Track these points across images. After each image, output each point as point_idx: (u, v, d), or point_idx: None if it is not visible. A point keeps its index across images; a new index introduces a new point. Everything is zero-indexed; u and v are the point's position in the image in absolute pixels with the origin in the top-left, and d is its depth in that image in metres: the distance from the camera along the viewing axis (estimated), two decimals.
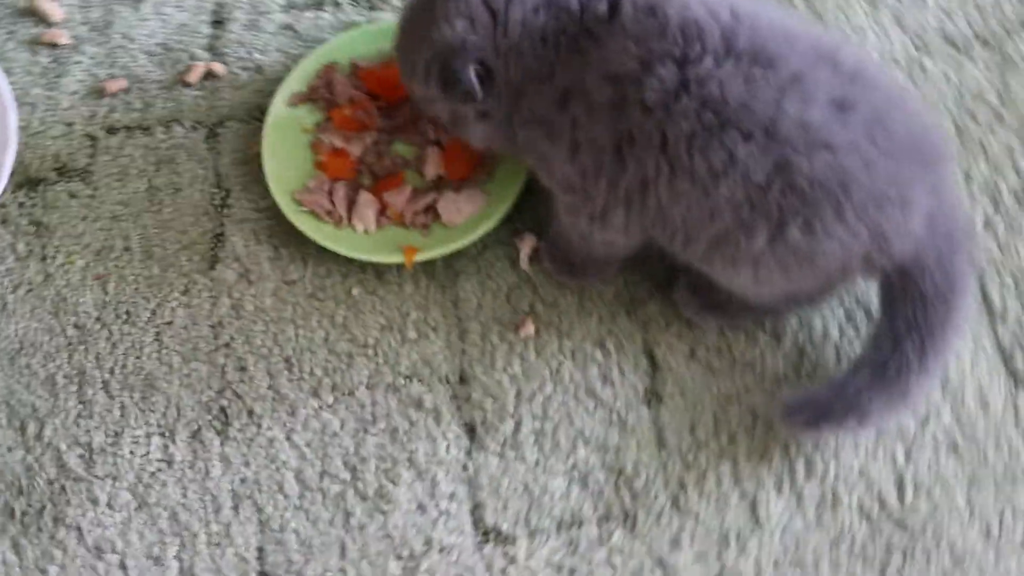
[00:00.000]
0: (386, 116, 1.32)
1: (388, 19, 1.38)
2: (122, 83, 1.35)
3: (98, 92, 1.35)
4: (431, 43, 1.16)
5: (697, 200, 1.12)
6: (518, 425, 1.23)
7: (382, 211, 1.28)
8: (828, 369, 1.24)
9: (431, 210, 1.29)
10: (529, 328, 1.26)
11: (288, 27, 1.38)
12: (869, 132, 1.10)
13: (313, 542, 1.20)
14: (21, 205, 1.32)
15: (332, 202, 1.28)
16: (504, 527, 1.20)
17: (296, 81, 1.33)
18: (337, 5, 1.39)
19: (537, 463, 1.22)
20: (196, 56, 1.37)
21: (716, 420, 1.23)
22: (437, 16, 1.15)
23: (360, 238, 1.28)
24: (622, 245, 1.22)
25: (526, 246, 1.29)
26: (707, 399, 1.24)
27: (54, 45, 1.37)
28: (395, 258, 1.26)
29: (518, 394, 1.24)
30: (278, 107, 1.31)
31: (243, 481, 1.22)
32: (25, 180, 1.32)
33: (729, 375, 1.25)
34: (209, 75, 1.36)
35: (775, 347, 1.25)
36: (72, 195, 1.32)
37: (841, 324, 1.25)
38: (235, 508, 1.22)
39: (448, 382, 1.25)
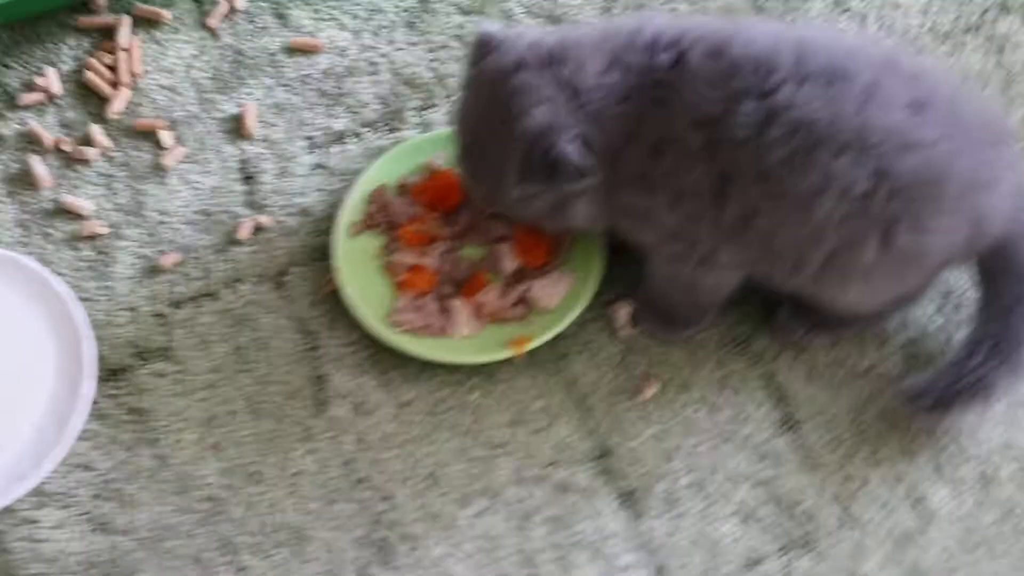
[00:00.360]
0: (447, 225, 1.34)
1: (412, 135, 1.39)
2: (176, 256, 1.34)
3: (153, 271, 1.34)
4: (522, 136, 1.16)
5: (802, 223, 1.16)
6: (672, 482, 1.25)
7: (477, 313, 1.30)
8: (941, 356, 1.29)
9: (524, 300, 1.30)
10: (651, 389, 1.28)
11: (318, 166, 1.38)
12: (948, 125, 1.17)
13: None
14: (113, 397, 1.29)
15: (426, 316, 1.29)
16: None
17: (350, 213, 1.34)
18: (358, 136, 1.40)
19: (702, 513, 1.24)
20: (238, 214, 1.36)
21: (856, 429, 1.27)
22: (513, 112, 1.17)
23: (463, 343, 1.29)
24: (726, 285, 1.26)
25: (621, 314, 1.31)
26: (840, 412, 1.28)
27: (93, 237, 1.36)
28: (504, 353, 1.28)
29: (662, 453, 1.26)
30: (341, 242, 1.32)
31: None
32: (108, 373, 1.29)
33: (852, 385, 1.29)
34: (258, 229, 1.35)
35: (885, 348, 1.30)
36: (160, 375, 1.30)
37: (938, 311, 1.31)
38: None
39: (591, 460, 1.26)
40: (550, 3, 1.47)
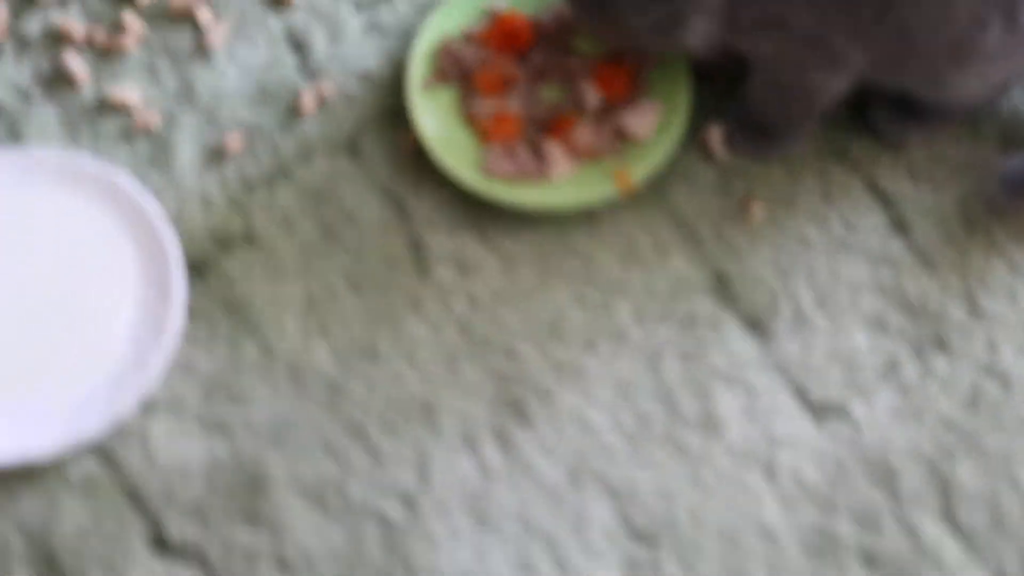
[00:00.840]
0: (521, 66, 1.29)
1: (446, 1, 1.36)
2: (240, 137, 1.28)
3: (218, 155, 1.27)
4: None
5: (937, 6, 1.14)
6: (796, 300, 1.23)
7: (572, 152, 1.26)
8: None
9: (617, 133, 1.26)
10: (757, 211, 1.26)
11: (371, 27, 1.32)
12: None
13: (669, 487, 1.17)
14: (203, 293, 1.23)
15: (519, 163, 1.25)
16: (833, 397, 1.20)
17: (419, 68, 1.28)
18: None
19: (831, 328, 1.22)
20: (296, 86, 1.30)
21: (966, 222, 1.25)
22: None
23: (564, 188, 1.24)
24: (838, 90, 1.21)
25: (715, 137, 1.28)
26: (948, 208, 1.26)
27: (148, 128, 1.29)
28: (611, 190, 1.24)
29: (779, 273, 1.24)
30: (416, 98, 1.27)
31: (571, 459, 1.18)
32: (193, 268, 1.23)
33: (954, 179, 1.27)
34: (320, 99, 1.29)
35: (979, 139, 1.28)
36: (247, 263, 1.24)
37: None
38: (577, 488, 1.18)
39: (710, 290, 1.24)
40: None
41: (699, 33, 1.17)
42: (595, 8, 1.18)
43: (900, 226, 1.26)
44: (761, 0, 1.15)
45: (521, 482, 1.19)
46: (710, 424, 1.20)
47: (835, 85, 1.21)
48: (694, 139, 1.28)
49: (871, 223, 1.26)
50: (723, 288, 1.24)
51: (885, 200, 1.27)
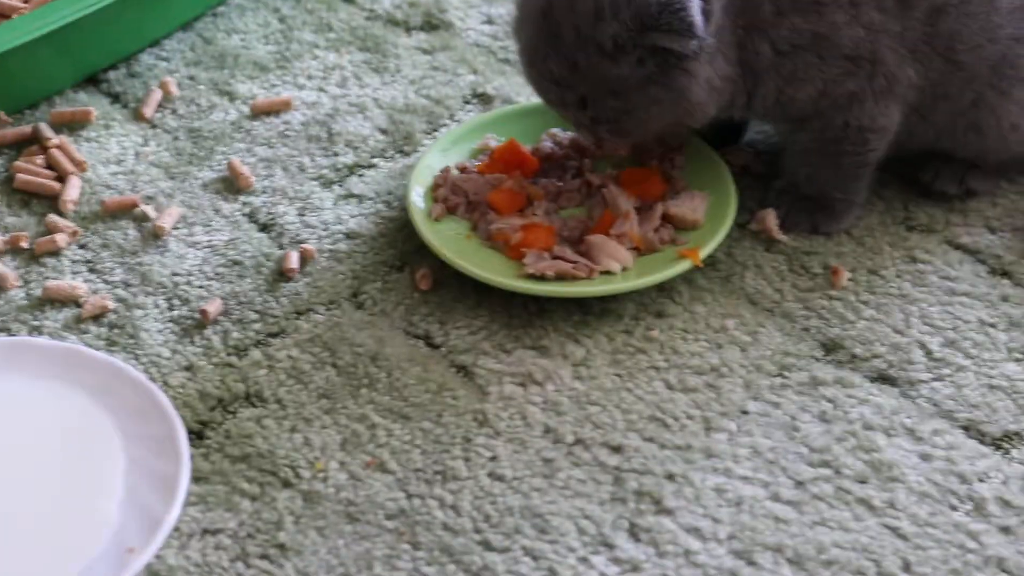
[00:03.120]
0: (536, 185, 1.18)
1: (432, 145, 1.22)
2: (218, 305, 1.09)
3: (193, 327, 1.07)
4: None
5: (985, 18, 1.10)
6: (924, 347, 1.07)
7: (621, 245, 1.11)
8: None
9: (667, 221, 1.13)
10: (843, 277, 1.12)
11: (346, 196, 1.19)
12: None
13: (862, 541, 0.94)
14: (207, 455, 0.98)
15: (567, 260, 1.09)
16: (1009, 425, 1.02)
17: (422, 203, 1.15)
18: (372, 166, 1.23)
19: (976, 364, 1.06)
20: (273, 254, 1.14)
21: None
22: None
23: (622, 279, 1.09)
24: (885, 139, 1.13)
25: (770, 219, 1.16)
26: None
27: (102, 314, 1.07)
28: (678, 266, 1.09)
29: (895, 328, 1.09)
30: (427, 228, 1.12)
31: (734, 536, 0.94)
32: (193, 433, 0.99)
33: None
34: (305, 259, 1.13)
35: None
36: (258, 418, 1.00)
37: None
38: (753, 564, 0.92)
39: (822, 357, 1.07)
40: None
41: (707, 85, 1.07)
42: (580, 86, 1.08)
43: (1000, 272, 1.13)
44: (789, 24, 1.08)
45: (682, 569, 0.93)
46: (884, 473, 0.98)
47: (886, 122, 1.12)
48: (746, 228, 1.17)
49: (969, 271, 1.13)
50: (837, 352, 1.07)
51: (974, 253, 1.15)
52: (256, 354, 1.07)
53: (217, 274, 1.13)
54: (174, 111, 1.31)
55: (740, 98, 1.11)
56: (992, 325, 1.10)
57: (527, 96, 1.29)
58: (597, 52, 1.06)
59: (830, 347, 1.08)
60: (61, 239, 1.14)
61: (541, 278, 1.09)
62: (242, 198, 1.21)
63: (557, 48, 1.08)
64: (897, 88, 1.11)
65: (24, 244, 1.14)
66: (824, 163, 1.16)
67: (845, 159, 1.15)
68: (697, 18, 1.02)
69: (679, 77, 1.06)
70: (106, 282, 1.12)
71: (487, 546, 0.94)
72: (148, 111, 1.28)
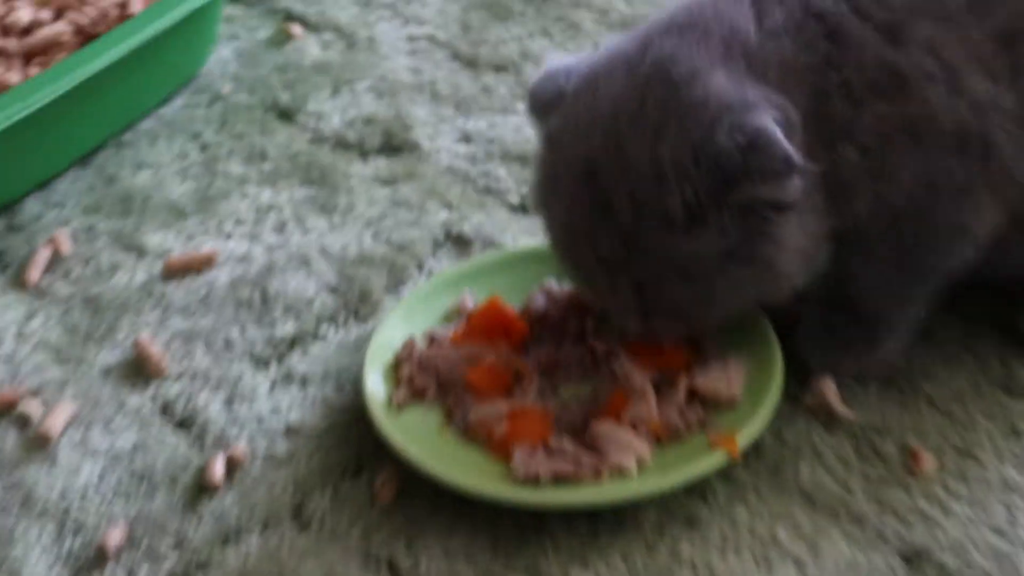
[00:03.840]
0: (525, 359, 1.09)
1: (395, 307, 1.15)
2: (122, 531, 1.00)
3: (92, 560, 0.99)
4: (693, 118, 0.96)
5: None
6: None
7: (636, 433, 1.01)
8: None
9: (695, 398, 1.04)
10: (925, 462, 1.02)
11: (284, 378, 1.13)
12: None
13: None
14: None
15: (564, 459, 1.00)
16: None
17: (381, 388, 1.07)
18: (318, 336, 1.17)
19: None
20: (191, 461, 1.06)
21: None
22: (663, 98, 0.98)
23: (640, 479, 0.99)
24: (984, 235, 1.06)
25: (828, 389, 1.06)
26: None
27: None
28: (712, 461, 0.99)
29: (1005, 520, 1.00)
30: (386, 423, 1.04)
31: None
32: None
33: None
34: (232, 466, 1.05)
35: None
36: None
37: None
38: None
39: (903, 571, 0.96)
40: None
41: (798, 243, 1.00)
42: (629, 279, 1.00)
43: None
44: (878, 99, 1.01)
45: None
46: None
47: (989, 220, 1.04)
48: (798, 402, 1.07)
49: None
50: (923, 563, 0.95)
51: None
52: None
53: (121, 491, 1.04)
54: (66, 274, 1.25)
55: (833, 221, 1.02)
56: None
57: (514, 236, 1.22)
58: (663, 226, 0.95)
59: (913, 558, 0.97)
60: None
61: (535, 482, 0.98)
62: (153, 387, 1.13)
63: (607, 221, 0.97)
64: (1011, 183, 1.03)
65: None
66: (890, 268, 1.07)
67: (920, 262, 1.07)
68: (788, 147, 0.93)
69: (764, 246, 0.97)
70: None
71: None
72: (33, 275, 1.23)
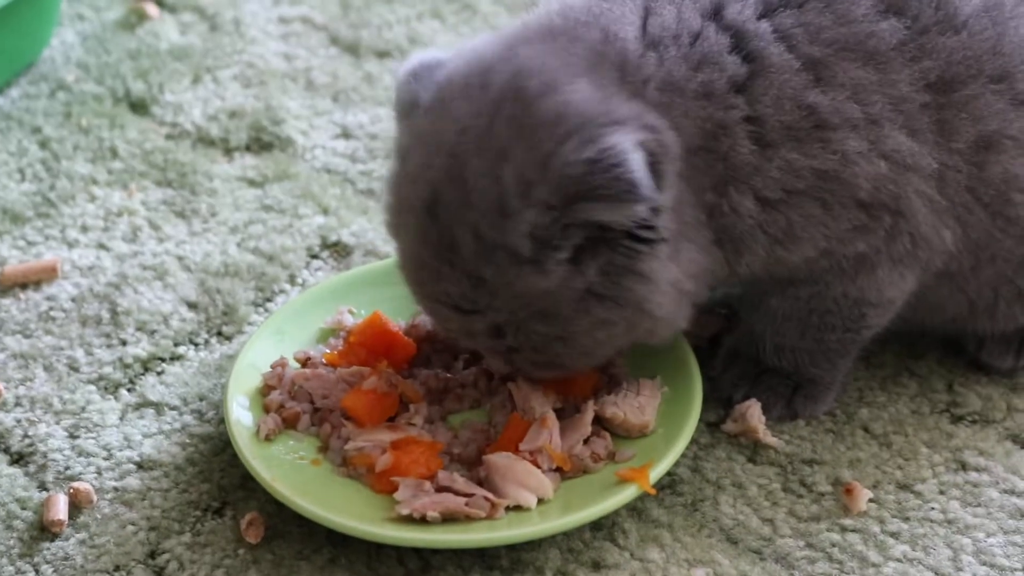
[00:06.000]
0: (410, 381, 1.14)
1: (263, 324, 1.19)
2: None
3: None
4: (547, 135, 0.97)
5: None
6: None
7: (536, 466, 1.06)
8: None
9: (602, 427, 1.09)
10: (860, 497, 1.09)
11: (137, 404, 1.18)
12: None
13: None
14: None
15: (459, 492, 1.04)
16: None
17: (246, 417, 1.11)
18: (177, 358, 1.21)
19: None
20: (28, 500, 1.10)
21: None
22: (517, 112, 0.99)
23: (539, 517, 1.04)
24: (896, 305, 1.13)
25: (753, 415, 1.12)
26: None
27: None
28: (621, 496, 1.04)
29: (947, 561, 1.07)
30: (259, 461, 1.08)
31: None
32: None
33: None
34: (76, 504, 1.09)
35: None
36: None
37: None
38: None
39: None
40: None
41: (669, 286, 1.03)
42: (478, 303, 1.03)
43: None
44: (791, 146, 1.04)
45: None
46: None
47: (895, 293, 1.11)
48: (719, 430, 1.13)
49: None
50: None
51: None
52: None
53: None
54: None
55: (720, 273, 1.06)
56: None
57: None
58: (510, 260, 0.98)
59: None
60: None
61: (422, 521, 1.02)
62: None
63: (454, 262, 1.00)
64: (922, 253, 1.08)
65: None
66: (804, 335, 1.13)
67: (831, 335, 1.13)
68: (639, 174, 0.95)
69: (633, 285, 1.00)
70: None
71: None
72: None
